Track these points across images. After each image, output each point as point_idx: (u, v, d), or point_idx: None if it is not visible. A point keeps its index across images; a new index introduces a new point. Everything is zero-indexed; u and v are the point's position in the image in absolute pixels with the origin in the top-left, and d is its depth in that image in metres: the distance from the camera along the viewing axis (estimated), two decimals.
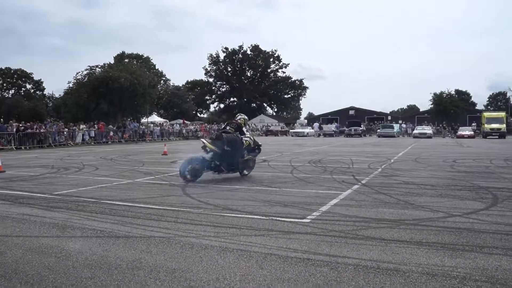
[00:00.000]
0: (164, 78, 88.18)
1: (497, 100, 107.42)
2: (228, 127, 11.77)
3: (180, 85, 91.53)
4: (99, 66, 51.45)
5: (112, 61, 66.45)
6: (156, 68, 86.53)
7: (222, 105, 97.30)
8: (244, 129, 12.08)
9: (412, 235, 5.51)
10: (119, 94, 46.05)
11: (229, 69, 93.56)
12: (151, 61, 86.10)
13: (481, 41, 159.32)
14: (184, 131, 49.90)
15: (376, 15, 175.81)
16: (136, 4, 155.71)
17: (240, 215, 6.74)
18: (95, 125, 38.86)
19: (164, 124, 53.84)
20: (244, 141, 11.66)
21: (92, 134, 36.98)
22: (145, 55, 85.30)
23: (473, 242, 5.21)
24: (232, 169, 11.40)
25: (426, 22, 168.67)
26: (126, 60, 70.75)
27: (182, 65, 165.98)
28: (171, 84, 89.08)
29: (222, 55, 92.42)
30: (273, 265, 4.35)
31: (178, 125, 54.74)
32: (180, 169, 10.86)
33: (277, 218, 6.46)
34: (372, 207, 7.41)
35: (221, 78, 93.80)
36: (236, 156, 11.33)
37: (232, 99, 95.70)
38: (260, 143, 12.47)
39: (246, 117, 12.60)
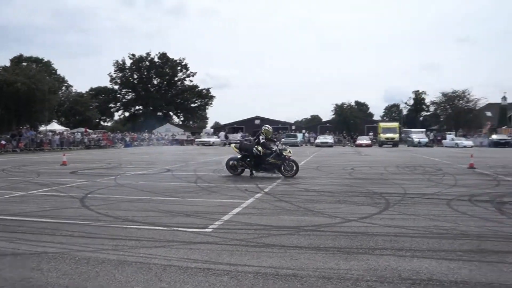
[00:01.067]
0: (66, 84, 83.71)
1: (391, 112, 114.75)
2: (255, 136, 14.76)
3: (83, 91, 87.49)
4: None
5: (8, 64, 61.89)
6: (58, 73, 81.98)
7: (127, 113, 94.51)
8: (260, 137, 14.12)
9: (311, 241, 5.69)
10: (15, 100, 42.96)
11: (136, 77, 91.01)
12: (52, 65, 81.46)
13: (377, 55, 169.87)
14: (86, 140, 47.76)
15: (281, 25, 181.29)
16: (35, 3, 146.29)
17: (140, 227, 6.56)
18: None
19: (65, 132, 51.12)
20: (253, 149, 13.89)
21: None
22: (45, 59, 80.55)
23: (366, 244, 5.50)
24: (256, 168, 14.09)
25: (327, 34, 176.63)
26: (24, 64, 66.11)
27: (86, 71, 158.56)
28: (74, 90, 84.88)
29: (128, 62, 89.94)
30: (173, 277, 4.28)
31: (79, 133, 52.26)
32: (224, 164, 14.90)
33: (179, 229, 6.38)
34: (273, 214, 7.57)
35: (126, 86, 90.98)
36: (251, 159, 14.00)
37: (137, 107, 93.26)
38: (275, 149, 14.09)
39: (268, 128, 14.58)
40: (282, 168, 13.95)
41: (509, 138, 53.16)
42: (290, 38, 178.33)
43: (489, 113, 74.15)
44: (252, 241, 5.70)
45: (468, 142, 48.30)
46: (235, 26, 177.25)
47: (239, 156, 14.46)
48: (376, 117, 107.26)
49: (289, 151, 14.15)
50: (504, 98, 72.33)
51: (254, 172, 14.12)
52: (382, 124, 58.84)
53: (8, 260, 4.88)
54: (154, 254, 5.07)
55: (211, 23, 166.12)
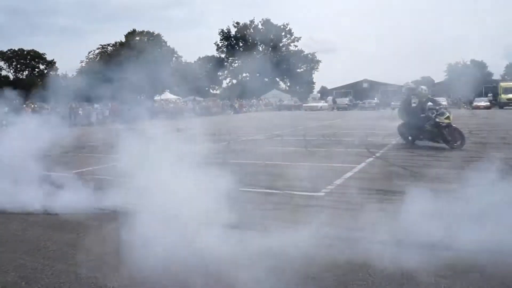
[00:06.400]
0: (176, 55, 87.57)
1: None
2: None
3: (192, 61, 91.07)
4: (111, 45, 51.12)
5: (123, 39, 66.00)
6: (168, 45, 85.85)
7: (234, 81, 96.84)
8: (412, 100, 13.00)
9: None
10: None
11: (241, 44, 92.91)
12: (162, 38, 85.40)
13: (496, 10, 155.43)
14: (197, 108, 49.90)
15: None
16: None
17: (256, 190, 6.81)
18: (109, 104, 38.93)
19: (177, 101, 53.80)
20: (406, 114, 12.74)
21: (107, 113, 37.07)
22: (155, 32, 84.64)
23: None
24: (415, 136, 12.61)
25: None
26: (138, 38, 70.06)
27: (193, 41, 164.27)
28: (183, 61, 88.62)
29: (233, 30, 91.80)
30: None
31: (191, 102, 54.69)
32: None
33: (292, 192, 6.54)
34: (386, 180, 7.44)
35: (232, 54, 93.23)
36: (409, 125, 12.61)
37: (244, 75, 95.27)
38: (432, 115, 11.96)
39: (422, 89, 12.71)
40: (442, 137, 11.56)
41: None
42: None
43: None
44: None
45: None
46: None
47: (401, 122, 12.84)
48: (496, 76, 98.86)
49: (447, 117, 11.54)
50: None
51: (413, 140, 12.56)
52: (503, 84, 54.20)
53: None
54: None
55: None
